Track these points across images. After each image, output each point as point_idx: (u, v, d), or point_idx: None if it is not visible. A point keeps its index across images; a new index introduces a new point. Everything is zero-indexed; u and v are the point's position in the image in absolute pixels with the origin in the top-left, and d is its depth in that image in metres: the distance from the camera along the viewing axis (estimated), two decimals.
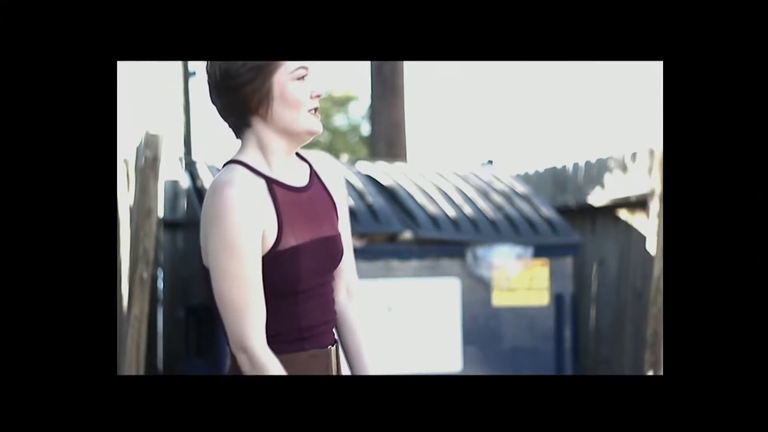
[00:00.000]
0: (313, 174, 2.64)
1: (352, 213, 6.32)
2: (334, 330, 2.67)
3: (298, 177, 2.60)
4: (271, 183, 2.53)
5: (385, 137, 10.51)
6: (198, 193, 6.47)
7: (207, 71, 2.55)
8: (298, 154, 2.66)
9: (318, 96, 2.55)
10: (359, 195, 6.55)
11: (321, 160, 2.70)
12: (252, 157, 2.54)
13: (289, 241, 2.51)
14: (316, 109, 2.56)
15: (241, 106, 2.52)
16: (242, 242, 2.43)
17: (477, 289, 6.38)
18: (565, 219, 6.89)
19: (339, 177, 2.72)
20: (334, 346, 2.63)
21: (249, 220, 2.44)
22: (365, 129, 22.32)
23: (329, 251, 2.60)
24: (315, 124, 2.55)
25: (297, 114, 2.52)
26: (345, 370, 2.69)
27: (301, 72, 2.51)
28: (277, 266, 2.50)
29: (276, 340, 2.53)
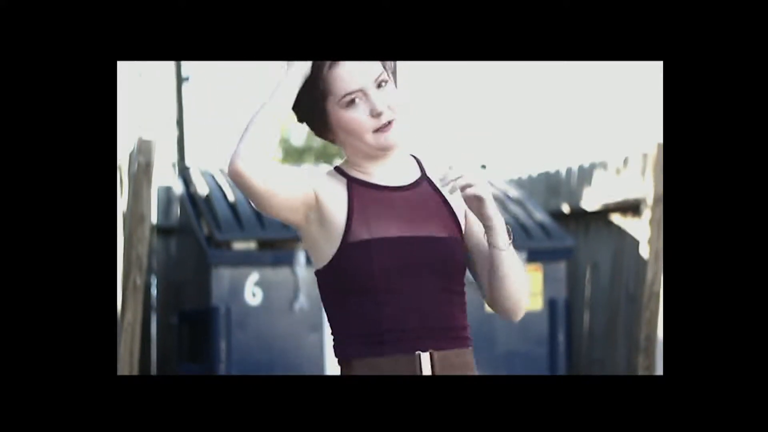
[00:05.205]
0: (423, 176, 2.59)
1: None
2: (440, 338, 2.52)
3: (398, 177, 2.56)
4: (352, 181, 2.52)
5: None
6: (191, 198, 6.42)
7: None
8: (414, 157, 2.62)
9: (380, 114, 2.47)
10: None
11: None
12: (346, 162, 2.57)
13: (360, 234, 2.46)
14: (388, 124, 2.48)
15: (318, 133, 2.57)
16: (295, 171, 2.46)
17: (470, 293, 6.37)
18: (559, 223, 6.89)
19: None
20: (428, 353, 2.49)
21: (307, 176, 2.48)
22: None
23: (424, 251, 2.50)
24: (385, 142, 2.49)
25: (361, 138, 2.49)
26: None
27: (348, 98, 2.47)
28: (348, 258, 2.45)
29: (354, 341, 2.47)
